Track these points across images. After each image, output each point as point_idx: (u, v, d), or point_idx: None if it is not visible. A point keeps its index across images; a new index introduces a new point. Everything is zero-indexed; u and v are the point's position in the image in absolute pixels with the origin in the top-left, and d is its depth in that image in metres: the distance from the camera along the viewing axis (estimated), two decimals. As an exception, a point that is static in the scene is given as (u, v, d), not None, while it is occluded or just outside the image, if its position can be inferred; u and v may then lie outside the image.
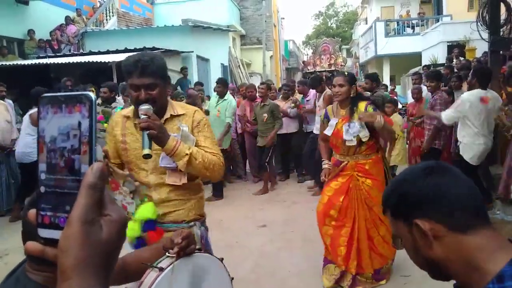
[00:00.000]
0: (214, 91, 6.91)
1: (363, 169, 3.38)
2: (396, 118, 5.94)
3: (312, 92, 7.17)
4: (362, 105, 3.40)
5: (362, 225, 3.41)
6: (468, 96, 4.80)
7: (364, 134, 3.30)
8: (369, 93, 6.32)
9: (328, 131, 3.48)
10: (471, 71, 5.60)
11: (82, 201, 0.49)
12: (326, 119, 3.59)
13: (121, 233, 0.52)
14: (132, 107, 2.01)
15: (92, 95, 0.52)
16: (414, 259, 0.96)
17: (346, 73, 3.83)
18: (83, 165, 0.51)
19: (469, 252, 0.83)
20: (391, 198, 0.97)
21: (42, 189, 0.53)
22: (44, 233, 0.53)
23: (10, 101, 6.17)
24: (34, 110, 5.60)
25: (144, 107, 1.75)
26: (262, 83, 7.22)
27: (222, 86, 6.72)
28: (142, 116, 1.75)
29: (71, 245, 0.47)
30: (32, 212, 0.54)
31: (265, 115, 6.57)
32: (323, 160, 3.68)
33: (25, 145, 5.52)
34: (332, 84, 3.57)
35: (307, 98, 7.38)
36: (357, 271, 3.41)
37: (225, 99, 6.63)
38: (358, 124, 3.29)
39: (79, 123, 0.51)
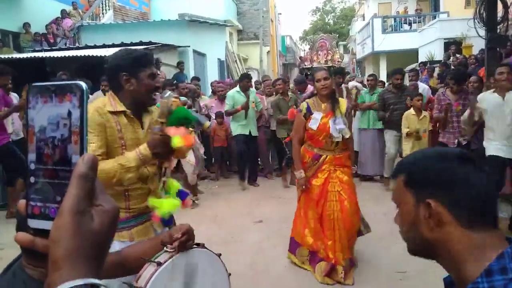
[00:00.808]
0: (242, 87, 6.89)
1: (340, 162, 3.64)
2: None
3: (310, 88, 7.17)
4: (343, 103, 3.67)
5: (340, 216, 3.55)
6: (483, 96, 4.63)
7: (347, 131, 3.59)
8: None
9: (313, 125, 3.57)
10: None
11: (73, 192, 0.48)
12: (308, 112, 3.64)
13: (113, 224, 0.51)
14: (105, 99, 1.97)
15: (83, 84, 0.51)
16: (405, 231, 0.94)
17: (325, 68, 4.06)
18: (74, 156, 0.51)
19: (466, 247, 0.83)
20: (413, 167, 0.94)
21: (32, 179, 0.53)
22: (34, 223, 0.52)
23: (16, 94, 6.13)
24: None
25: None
26: (278, 79, 7.50)
27: (250, 81, 7.12)
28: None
29: (62, 235, 0.47)
30: (22, 202, 0.54)
31: (294, 106, 6.52)
32: (297, 171, 3.69)
33: None
34: (317, 79, 3.62)
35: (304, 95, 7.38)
36: (340, 258, 3.54)
37: (252, 91, 7.01)
38: (342, 120, 3.53)
39: (69, 112, 0.51)
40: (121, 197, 1.89)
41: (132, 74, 1.88)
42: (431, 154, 0.96)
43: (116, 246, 1.76)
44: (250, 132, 6.86)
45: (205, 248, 1.12)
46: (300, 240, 3.78)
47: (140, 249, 1.10)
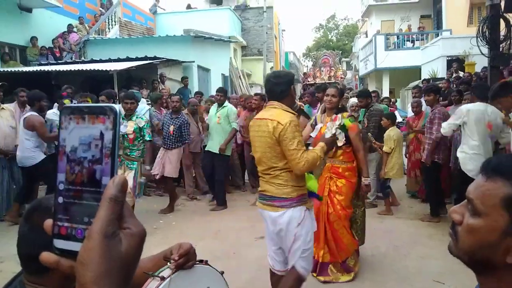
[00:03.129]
0: (215, 100, 6.92)
1: (337, 172, 3.87)
2: (392, 132, 5.93)
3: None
4: (344, 116, 3.86)
5: (324, 217, 3.82)
6: (467, 106, 4.82)
7: (341, 138, 3.60)
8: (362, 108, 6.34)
9: (313, 134, 3.91)
10: (470, 87, 5.72)
11: (103, 214, 0.48)
12: (314, 124, 4.06)
13: (140, 246, 0.51)
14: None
15: (117, 107, 0.52)
16: (469, 242, 0.79)
17: (337, 87, 4.31)
18: (104, 177, 0.51)
19: None
20: None
21: (60, 199, 0.53)
22: (60, 244, 0.52)
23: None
24: (29, 114, 5.62)
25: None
26: (256, 94, 7.21)
27: (223, 95, 6.74)
28: None
29: (91, 258, 0.47)
30: (49, 222, 0.53)
31: None
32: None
33: (24, 149, 5.53)
34: (326, 93, 4.01)
35: (315, 110, 7.31)
36: (330, 259, 3.82)
37: (224, 106, 6.64)
38: (336, 127, 3.69)
39: (101, 134, 0.51)
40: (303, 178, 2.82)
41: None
42: None
43: (307, 213, 2.78)
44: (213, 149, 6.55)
45: (208, 265, 1.11)
46: None
47: (144, 265, 1.10)
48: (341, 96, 3.99)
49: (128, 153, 5.24)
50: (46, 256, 0.52)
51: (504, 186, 0.75)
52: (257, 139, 2.85)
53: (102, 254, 0.47)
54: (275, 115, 2.75)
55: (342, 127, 3.46)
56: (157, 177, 6.41)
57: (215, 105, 6.86)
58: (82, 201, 0.52)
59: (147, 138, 5.36)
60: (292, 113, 2.80)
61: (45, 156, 5.70)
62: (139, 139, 5.32)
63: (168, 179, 6.43)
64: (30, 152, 5.52)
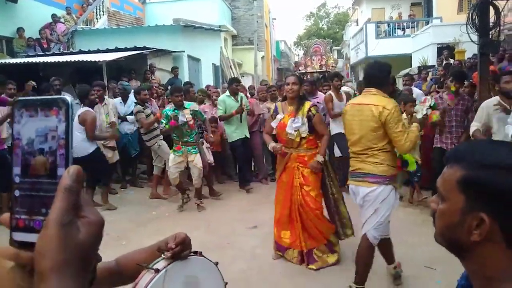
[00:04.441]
0: (232, 91, 6.98)
1: (303, 161, 3.93)
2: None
3: (320, 94, 7.18)
4: (306, 105, 3.96)
5: (299, 209, 3.91)
6: (484, 104, 4.51)
7: (304, 130, 3.88)
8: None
9: (274, 123, 4.04)
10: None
11: (59, 204, 0.49)
12: (275, 113, 4.13)
13: (98, 235, 0.52)
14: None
15: (69, 98, 0.53)
16: (440, 226, 0.86)
17: (296, 75, 4.45)
18: (59, 168, 0.52)
19: (506, 267, 0.77)
20: (476, 167, 0.80)
21: (17, 192, 0.53)
22: (18, 236, 0.52)
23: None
24: (84, 109, 5.68)
25: None
26: (272, 86, 7.60)
27: (238, 84, 7.24)
28: None
29: (49, 247, 0.47)
30: (5, 216, 0.54)
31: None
32: (269, 144, 4.21)
33: (76, 140, 5.60)
34: (286, 82, 4.09)
35: (317, 99, 7.33)
36: (312, 245, 3.92)
37: (242, 96, 6.99)
38: (301, 120, 3.86)
39: (56, 126, 0.52)
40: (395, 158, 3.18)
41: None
42: (504, 157, 0.79)
43: (393, 193, 3.09)
44: (245, 135, 7.00)
45: (203, 256, 1.11)
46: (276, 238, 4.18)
47: (138, 257, 1.09)
48: (301, 84, 4.07)
49: (188, 140, 5.71)
50: (5, 250, 0.53)
51: (458, 170, 0.82)
52: (356, 123, 3.12)
53: (59, 242, 0.47)
54: (378, 101, 3.03)
55: (433, 106, 3.62)
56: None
57: (227, 95, 6.96)
58: (39, 193, 0.52)
59: (204, 116, 6.08)
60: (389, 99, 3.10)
61: (97, 146, 5.85)
62: (197, 123, 5.96)
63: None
64: (83, 142, 5.59)
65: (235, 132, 6.94)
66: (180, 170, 5.80)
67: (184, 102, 5.79)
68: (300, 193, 3.90)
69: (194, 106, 5.93)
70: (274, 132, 4.18)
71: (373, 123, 3.00)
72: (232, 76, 16.91)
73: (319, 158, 3.88)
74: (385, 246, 3.33)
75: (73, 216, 0.50)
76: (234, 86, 7.00)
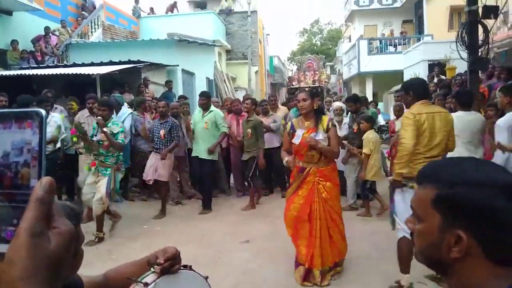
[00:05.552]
0: (199, 105, 6.90)
1: (323, 174, 3.87)
2: (371, 135, 6.01)
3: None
4: (325, 119, 3.95)
5: (324, 224, 3.82)
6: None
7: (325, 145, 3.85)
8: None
9: (296, 140, 3.93)
10: (454, 93, 5.71)
11: (30, 214, 0.49)
12: (292, 131, 4.04)
13: (69, 245, 0.52)
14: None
15: (43, 111, 0.53)
16: (419, 245, 0.86)
17: (305, 90, 4.46)
18: (32, 179, 0.52)
19: (487, 280, 0.77)
20: (446, 185, 0.80)
21: None
22: None
23: None
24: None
25: None
26: (247, 98, 7.16)
27: (206, 99, 6.74)
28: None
29: (19, 256, 0.48)
30: None
31: (249, 130, 6.60)
32: (284, 159, 4.11)
33: None
34: (297, 100, 4.07)
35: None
36: (320, 265, 3.82)
37: (211, 111, 6.67)
38: (322, 135, 3.83)
39: (30, 139, 0.53)
40: None
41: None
42: (472, 174, 0.79)
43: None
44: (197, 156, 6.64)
45: (193, 270, 1.11)
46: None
47: (127, 270, 1.09)
48: (313, 98, 3.95)
49: (103, 160, 5.21)
50: None
51: (432, 189, 0.82)
52: (438, 129, 3.43)
53: (29, 252, 0.48)
54: (440, 109, 3.65)
55: None
56: (151, 182, 6.39)
57: (199, 110, 6.84)
58: (12, 204, 0.53)
59: (120, 142, 5.18)
60: None
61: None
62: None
63: (161, 183, 6.39)
64: None
65: (194, 149, 6.79)
66: (93, 193, 5.18)
67: (112, 118, 5.27)
68: (324, 209, 3.82)
69: (114, 127, 5.14)
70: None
71: (450, 127, 3.48)
72: (226, 90, 16.99)
73: (317, 137, 3.82)
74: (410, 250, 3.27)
75: (44, 226, 0.50)
76: (200, 100, 6.79)
